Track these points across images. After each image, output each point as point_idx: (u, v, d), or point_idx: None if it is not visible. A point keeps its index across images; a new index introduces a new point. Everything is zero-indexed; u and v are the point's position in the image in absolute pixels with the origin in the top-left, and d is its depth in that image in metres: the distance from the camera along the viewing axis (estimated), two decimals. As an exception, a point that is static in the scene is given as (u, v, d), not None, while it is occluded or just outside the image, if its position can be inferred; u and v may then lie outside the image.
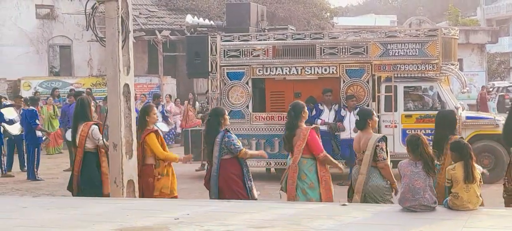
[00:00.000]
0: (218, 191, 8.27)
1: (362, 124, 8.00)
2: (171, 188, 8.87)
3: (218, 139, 8.26)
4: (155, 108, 9.39)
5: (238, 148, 8.27)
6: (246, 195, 8.30)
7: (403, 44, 13.90)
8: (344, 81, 14.04)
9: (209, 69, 14.69)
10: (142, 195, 8.80)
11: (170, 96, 24.76)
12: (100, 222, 6.88)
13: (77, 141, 9.12)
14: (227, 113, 8.70)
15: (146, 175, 8.76)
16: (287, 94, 14.59)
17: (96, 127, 9.14)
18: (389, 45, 13.91)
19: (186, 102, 23.14)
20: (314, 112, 13.94)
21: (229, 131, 8.38)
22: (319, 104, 14.04)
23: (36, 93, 23.14)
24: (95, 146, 9.09)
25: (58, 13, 28.47)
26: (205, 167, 15.78)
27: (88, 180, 9.02)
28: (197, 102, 21.49)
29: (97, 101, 23.56)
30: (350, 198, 7.98)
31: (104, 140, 8.96)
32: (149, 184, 8.74)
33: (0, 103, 16.05)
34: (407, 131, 13.32)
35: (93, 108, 9.69)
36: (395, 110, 13.94)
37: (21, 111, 16.59)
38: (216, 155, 8.26)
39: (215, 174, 8.28)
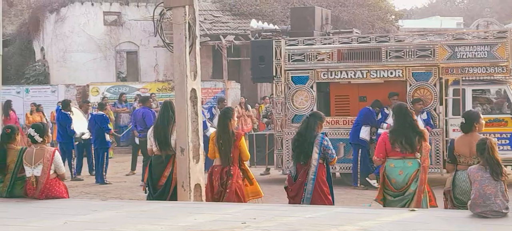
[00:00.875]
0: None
1: (468, 127, 7.71)
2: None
3: (317, 140, 8.22)
4: (235, 112, 9.31)
5: (333, 155, 8.30)
6: (332, 201, 8.29)
7: (471, 47, 13.63)
8: (410, 85, 13.85)
9: (274, 74, 14.72)
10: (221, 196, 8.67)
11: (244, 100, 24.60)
12: (168, 225, 6.97)
13: (172, 144, 8.92)
14: (325, 119, 8.67)
15: (237, 176, 8.69)
16: (352, 98, 14.50)
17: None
18: (456, 47, 13.67)
19: (237, 106, 23.20)
20: (379, 116, 13.81)
21: (327, 135, 8.37)
22: (385, 108, 13.88)
23: (103, 98, 23.63)
24: None
25: (125, 20, 28.99)
26: (270, 171, 15.91)
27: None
28: (248, 106, 21.64)
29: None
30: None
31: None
32: (240, 187, 8.70)
33: (70, 108, 16.40)
34: (475, 135, 13.04)
35: None
36: (463, 114, 13.66)
37: (89, 116, 16.96)
38: (316, 157, 8.19)
39: (313, 176, 8.19)
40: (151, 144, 9.01)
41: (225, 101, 19.25)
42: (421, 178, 7.94)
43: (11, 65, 29.50)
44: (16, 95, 24.98)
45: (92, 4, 28.81)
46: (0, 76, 9.95)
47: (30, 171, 8.67)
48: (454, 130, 13.63)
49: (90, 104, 19.03)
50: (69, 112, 16.16)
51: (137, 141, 16.15)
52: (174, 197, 8.81)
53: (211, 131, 16.49)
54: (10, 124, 9.76)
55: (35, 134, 8.83)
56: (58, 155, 8.83)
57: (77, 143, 16.50)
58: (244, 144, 8.80)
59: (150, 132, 9.06)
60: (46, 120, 21.13)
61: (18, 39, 31.55)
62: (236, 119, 9.02)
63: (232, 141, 8.64)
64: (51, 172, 8.67)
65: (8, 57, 28.53)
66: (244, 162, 8.84)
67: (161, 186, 8.84)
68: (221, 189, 8.62)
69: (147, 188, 9.14)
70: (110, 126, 16.04)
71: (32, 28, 30.44)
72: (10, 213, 7.96)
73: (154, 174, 8.94)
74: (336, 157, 8.35)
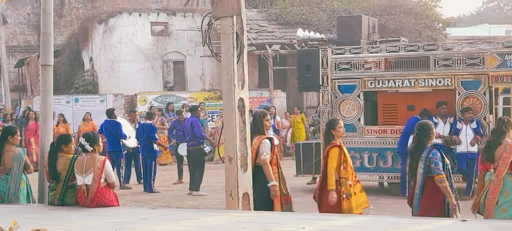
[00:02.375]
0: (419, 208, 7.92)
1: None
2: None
3: (423, 155, 7.86)
4: (341, 122, 8.91)
5: (438, 171, 7.74)
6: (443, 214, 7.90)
7: (522, 55, 13.40)
8: (459, 93, 13.67)
9: (320, 83, 14.69)
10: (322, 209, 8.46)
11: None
12: (217, 234, 7.00)
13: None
14: (434, 128, 8.27)
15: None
16: (399, 107, 14.38)
17: (267, 141, 8.74)
18: (507, 55, 13.43)
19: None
20: (428, 125, 13.63)
21: (436, 148, 7.94)
22: (433, 117, 13.72)
23: (151, 108, 23.90)
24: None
25: (172, 30, 29.31)
26: (316, 180, 15.85)
27: (259, 194, 8.64)
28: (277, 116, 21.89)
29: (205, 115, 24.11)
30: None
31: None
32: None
33: (114, 115, 16.59)
34: (527, 144, 12.80)
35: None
36: (514, 123, 13.43)
37: (137, 125, 17.17)
38: (421, 171, 7.85)
39: (418, 191, 7.90)
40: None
41: (272, 109, 19.32)
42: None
43: (60, 75, 30.09)
44: (66, 105, 25.45)
45: (140, 15, 29.21)
46: (51, 86, 10.09)
47: (81, 180, 8.81)
48: (504, 139, 13.40)
49: (136, 113, 19.24)
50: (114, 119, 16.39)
51: (181, 151, 16.27)
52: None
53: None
54: (63, 133, 9.92)
55: (86, 143, 8.97)
56: (108, 164, 8.95)
57: (125, 151, 16.73)
58: (333, 155, 8.44)
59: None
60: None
61: (68, 49, 32.20)
62: (340, 129, 8.70)
63: (325, 151, 8.51)
64: (102, 180, 8.80)
65: (58, 68, 29.09)
66: (328, 173, 8.41)
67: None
68: (317, 201, 8.55)
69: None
70: (157, 136, 16.18)
71: (81, 39, 31.03)
72: (63, 221, 8.09)
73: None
74: (442, 175, 7.71)
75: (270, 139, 8.84)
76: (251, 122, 8.89)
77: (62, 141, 9.23)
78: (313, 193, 8.87)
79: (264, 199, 8.63)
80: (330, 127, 8.68)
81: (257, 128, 8.88)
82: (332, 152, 8.47)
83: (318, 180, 9.34)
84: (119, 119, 17.22)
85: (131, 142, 16.65)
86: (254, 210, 8.43)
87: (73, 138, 9.52)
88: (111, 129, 16.22)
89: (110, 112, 16.82)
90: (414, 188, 7.95)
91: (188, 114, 16.59)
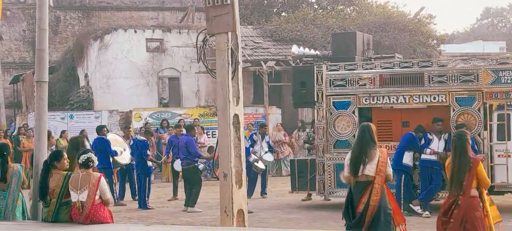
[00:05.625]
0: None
1: None
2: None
3: None
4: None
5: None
6: None
7: (515, 71, 13.44)
8: (454, 110, 13.71)
9: (315, 99, 14.71)
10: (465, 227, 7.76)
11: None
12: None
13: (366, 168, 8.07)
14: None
15: (472, 208, 7.75)
16: (394, 123, 14.40)
17: (385, 150, 8.25)
18: (501, 72, 13.49)
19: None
20: (423, 141, 13.67)
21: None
22: (428, 133, 13.73)
23: (146, 124, 23.88)
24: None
25: (167, 46, 29.33)
26: (311, 197, 15.84)
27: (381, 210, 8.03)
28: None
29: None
30: None
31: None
32: (477, 219, 7.72)
33: (103, 132, 16.50)
34: (521, 161, 12.85)
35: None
36: (508, 139, 13.47)
37: (131, 141, 17.13)
38: None
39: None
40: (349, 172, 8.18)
41: (266, 127, 19.27)
42: None
43: (56, 92, 30.06)
44: (61, 121, 25.39)
45: (135, 31, 29.25)
46: (46, 102, 10.08)
47: (76, 196, 8.77)
48: (499, 156, 13.44)
49: (130, 130, 19.21)
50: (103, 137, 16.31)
51: (176, 167, 16.25)
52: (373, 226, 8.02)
53: (253, 157, 16.55)
54: (56, 150, 9.88)
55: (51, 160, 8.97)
56: (103, 181, 8.93)
57: (119, 168, 16.66)
58: (483, 169, 7.91)
59: (347, 159, 8.26)
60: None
61: (63, 66, 32.19)
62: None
63: (467, 167, 7.78)
64: (97, 197, 8.77)
65: (53, 84, 29.07)
66: (483, 191, 7.94)
67: (359, 213, 8.09)
68: (444, 219, 7.85)
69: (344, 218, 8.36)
70: (149, 152, 16.12)
71: (76, 55, 31.04)
72: (56, 238, 8.06)
73: (354, 200, 8.16)
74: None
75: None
76: (359, 134, 8.25)
77: (54, 157, 9.20)
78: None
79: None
80: (465, 140, 7.96)
81: (373, 139, 8.13)
82: (482, 167, 7.91)
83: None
84: (111, 135, 17.13)
85: (124, 158, 16.54)
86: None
87: (65, 153, 9.48)
88: (100, 146, 16.08)
89: (98, 129, 16.76)
90: None
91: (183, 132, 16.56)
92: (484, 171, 7.93)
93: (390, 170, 8.09)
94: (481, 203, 7.82)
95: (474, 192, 7.75)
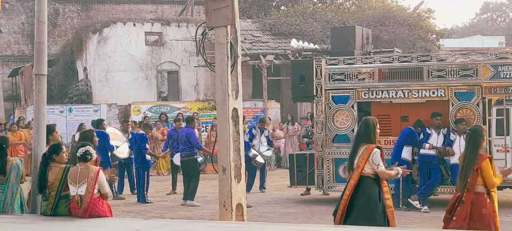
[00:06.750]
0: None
1: None
2: None
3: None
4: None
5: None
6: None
7: (515, 66, 13.44)
8: (452, 104, 13.71)
9: (314, 93, 14.70)
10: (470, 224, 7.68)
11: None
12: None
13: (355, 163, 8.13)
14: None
15: (478, 205, 7.67)
16: (393, 118, 14.39)
17: (377, 150, 8.03)
18: (500, 67, 13.48)
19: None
20: (421, 136, 13.67)
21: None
22: (427, 128, 13.73)
23: (145, 118, 23.86)
24: (374, 171, 8.04)
25: (166, 40, 29.30)
26: (310, 192, 15.84)
27: (363, 207, 7.97)
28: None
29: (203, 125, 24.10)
30: None
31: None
32: (483, 216, 7.64)
33: (103, 126, 16.47)
34: (520, 156, 12.85)
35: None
36: (507, 134, 13.47)
37: (130, 135, 17.11)
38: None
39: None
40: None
41: (268, 119, 19.37)
42: None
43: (54, 85, 30.04)
44: (60, 115, 25.37)
45: (134, 25, 29.21)
46: (45, 95, 10.06)
47: (74, 190, 8.76)
48: (498, 151, 13.44)
49: (129, 124, 19.17)
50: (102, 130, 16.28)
51: (175, 161, 16.21)
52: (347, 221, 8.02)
53: (253, 152, 16.54)
54: (55, 143, 9.84)
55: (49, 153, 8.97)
56: (102, 174, 8.91)
57: (116, 162, 16.63)
58: (489, 168, 7.73)
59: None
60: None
61: (62, 59, 32.16)
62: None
63: (473, 163, 7.71)
64: (95, 191, 8.76)
65: (52, 77, 29.05)
66: (491, 190, 7.77)
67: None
68: (448, 216, 7.82)
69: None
70: (147, 146, 16.08)
71: (75, 49, 31.01)
72: (55, 231, 8.06)
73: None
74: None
75: (380, 148, 8.11)
76: (360, 128, 8.26)
77: (53, 150, 9.19)
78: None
79: (379, 213, 7.95)
80: (480, 135, 7.95)
81: (368, 136, 8.09)
82: (487, 164, 7.76)
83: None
84: (110, 129, 17.10)
85: (122, 152, 16.51)
86: (358, 223, 7.83)
87: (64, 147, 9.47)
88: (99, 139, 16.03)
89: (97, 123, 16.73)
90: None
91: (183, 124, 16.54)
92: (491, 170, 7.72)
93: (381, 168, 7.94)
94: (488, 201, 7.67)
95: (480, 188, 7.66)
